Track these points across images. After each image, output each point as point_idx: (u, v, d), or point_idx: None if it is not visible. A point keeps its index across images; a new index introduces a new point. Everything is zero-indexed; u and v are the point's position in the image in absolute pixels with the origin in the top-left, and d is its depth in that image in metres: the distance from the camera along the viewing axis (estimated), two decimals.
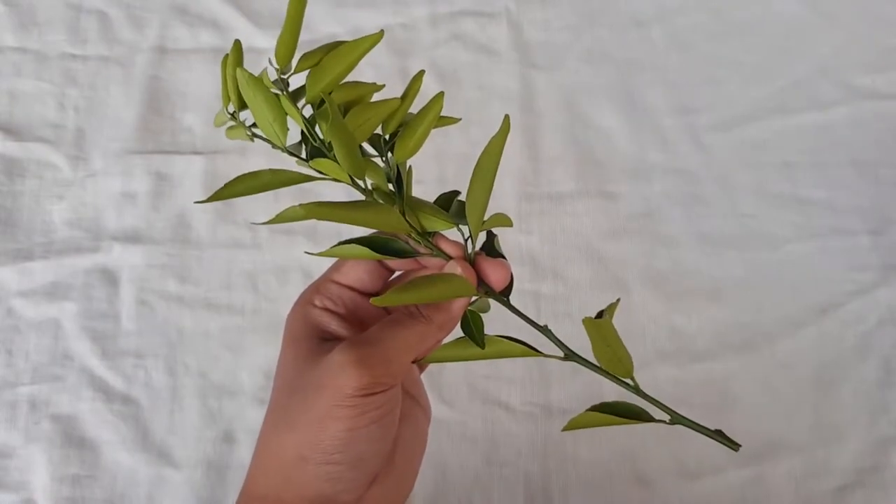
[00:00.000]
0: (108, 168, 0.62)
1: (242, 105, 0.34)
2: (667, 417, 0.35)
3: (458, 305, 0.35)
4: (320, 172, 0.34)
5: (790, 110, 0.65)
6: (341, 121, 0.33)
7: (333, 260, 0.37)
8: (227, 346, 0.58)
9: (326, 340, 0.35)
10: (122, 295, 0.59)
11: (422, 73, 0.36)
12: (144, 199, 0.61)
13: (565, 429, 0.35)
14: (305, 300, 0.36)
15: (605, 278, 0.59)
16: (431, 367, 0.57)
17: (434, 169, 0.62)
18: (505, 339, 0.35)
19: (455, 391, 0.57)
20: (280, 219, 0.33)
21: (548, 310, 0.58)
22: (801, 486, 0.54)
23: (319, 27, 0.67)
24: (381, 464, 0.34)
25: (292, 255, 0.60)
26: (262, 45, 0.66)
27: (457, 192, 0.37)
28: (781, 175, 0.63)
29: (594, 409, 0.35)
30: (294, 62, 0.34)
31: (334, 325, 0.35)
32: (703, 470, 0.55)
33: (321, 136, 0.34)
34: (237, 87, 0.34)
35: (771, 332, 0.58)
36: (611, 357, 0.35)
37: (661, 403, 0.35)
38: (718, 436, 0.35)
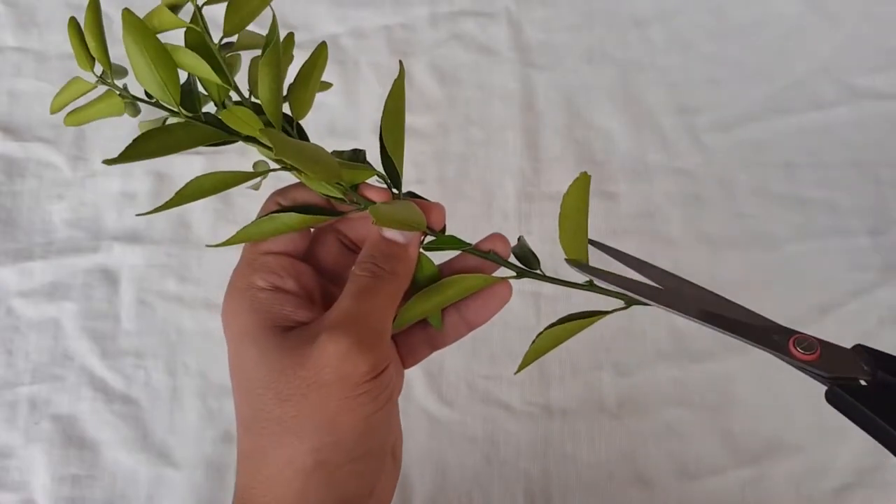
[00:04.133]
0: (107, 168, 0.62)
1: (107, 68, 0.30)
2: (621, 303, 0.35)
3: (413, 246, 0.34)
4: (229, 132, 0.31)
5: (790, 110, 0.65)
6: (278, 50, 0.30)
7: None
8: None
9: (288, 329, 0.31)
10: (122, 295, 0.59)
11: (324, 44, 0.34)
12: (144, 198, 0.61)
13: (519, 369, 0.34)
14: (245, 286, 0.32)
15: None
16: (432, 367, 0.57)
17: (434, 169, 0.62)
18: (461, 275, 0.35)
19: (455, 391, 0.57)
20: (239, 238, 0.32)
21: (548, 309, 0.58)
22: (801, 486, 0.54)
23: (319, 27, 0.67)
24: (391, 446, 0.33)
25: None
26: None
27: (362, 150, 0.35)
28: (781, 175, 0.63)
29: (546, 328, 0.35)
30: None
31: (290, 308, 0.32)
32: (703, 470, 0.55)
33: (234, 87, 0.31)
34: (102, 43, 0.30)
35: None
36: (574, 229, 0.35)
37: (611, 291, 0.35)
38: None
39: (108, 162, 0.29)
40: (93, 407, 0.56)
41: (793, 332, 0.33)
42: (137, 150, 0.29)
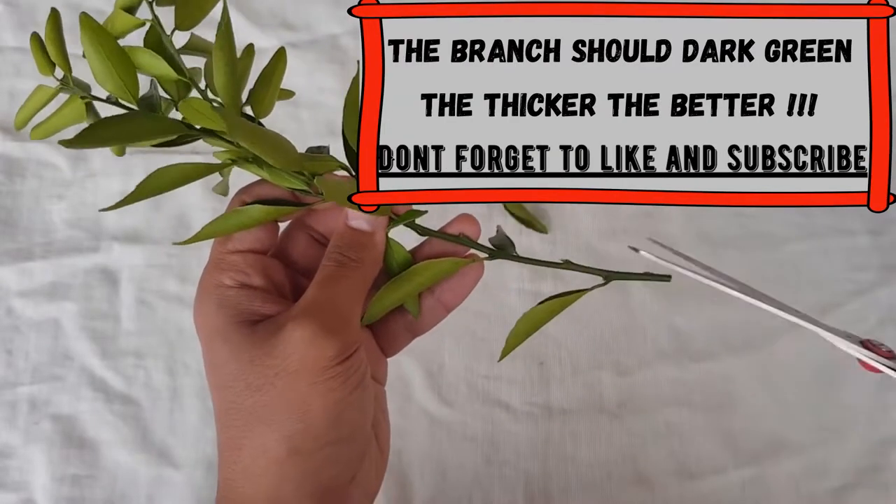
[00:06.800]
0: (107, 168, 0.62)
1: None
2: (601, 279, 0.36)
3: (380, 235, 0.34)
4: (187, 126, 0.31)
5: None
6: (230, 33, 0.30)
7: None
8: None
9: (256, 323, 0.32)
10: (122, 295, 0.59)
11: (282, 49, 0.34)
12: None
13: (502, 356, 0.34)
14: (213, 285, 0.33)
15: None
16: (431, 367, 0.57)
17: None
18: (432, 261, 0.35)
19: (455, 391, 0.57)
20: (205, 233, 0.32)
21: None
22: (801, 486, 0.54)
23: (319, 27, 0.67)
24: (369, 434, 0.33)
25: None
26: (262, 45, 0.66)
27: (325, 146, 0.36)
28: None
29: (533, 308, 0.35)
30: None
31: (258, 303, 0.32)
32: (703, 470, 0.55)
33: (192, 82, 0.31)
34: (61, 49, 0.31)
35: (771, 332, 0.58)
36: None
37: (590, 268, 0.36)
38: (647, 276, 0.35)
39: (65, 143, 0.29)
40: (93, 407, 0.56)
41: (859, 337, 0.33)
42: (94, 135, 0.30)
